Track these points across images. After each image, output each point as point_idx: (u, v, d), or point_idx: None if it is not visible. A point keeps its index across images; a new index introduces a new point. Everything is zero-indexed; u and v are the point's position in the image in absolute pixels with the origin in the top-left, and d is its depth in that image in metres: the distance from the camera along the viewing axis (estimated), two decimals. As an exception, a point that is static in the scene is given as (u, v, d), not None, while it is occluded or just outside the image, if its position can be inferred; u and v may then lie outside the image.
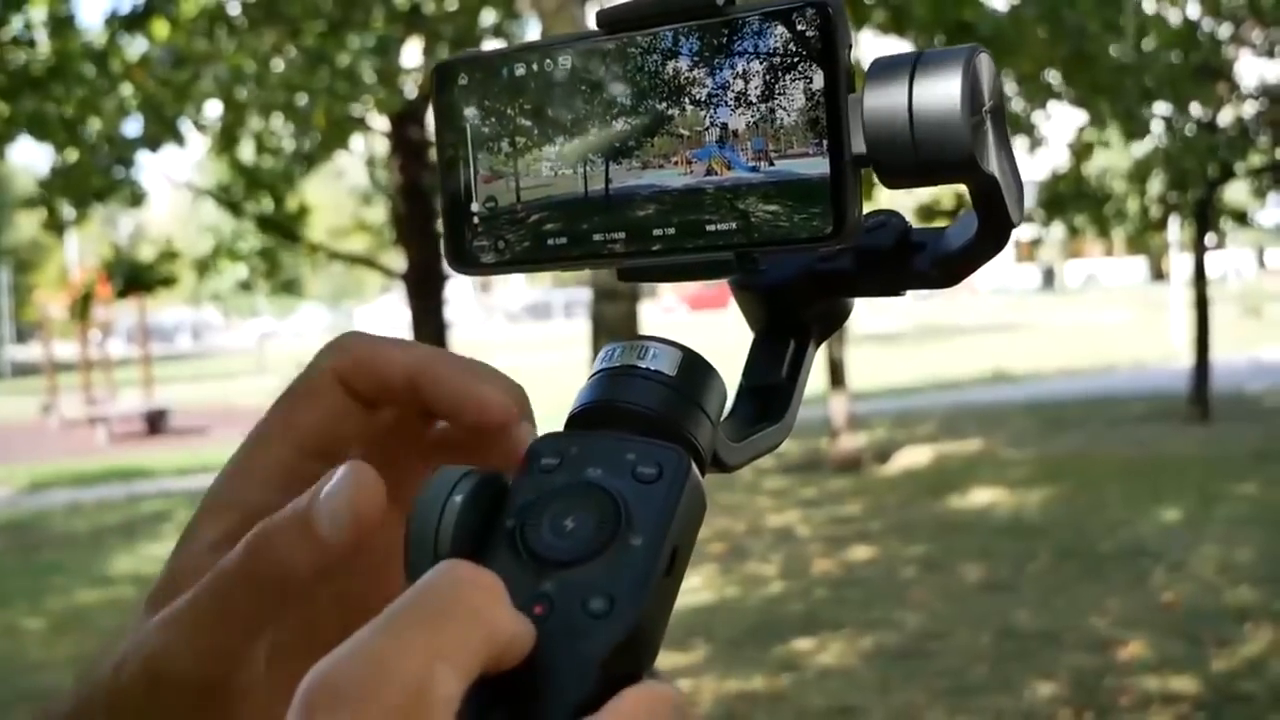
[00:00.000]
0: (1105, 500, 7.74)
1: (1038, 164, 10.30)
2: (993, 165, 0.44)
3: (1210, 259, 11.99)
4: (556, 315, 41.34)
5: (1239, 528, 6.85)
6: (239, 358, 32.05)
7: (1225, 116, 10.60)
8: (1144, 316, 25.87)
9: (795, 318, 0.54)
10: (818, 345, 0.54)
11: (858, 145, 0.44)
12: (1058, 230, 12.21)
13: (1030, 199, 11.64)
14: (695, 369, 0.46)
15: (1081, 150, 10.46)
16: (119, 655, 0.43)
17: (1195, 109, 9.98)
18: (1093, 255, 47.29)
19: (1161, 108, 9.49)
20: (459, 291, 46.54)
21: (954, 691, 4.57)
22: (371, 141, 9.30)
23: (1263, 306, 23.93)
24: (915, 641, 5.20)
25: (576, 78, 0.49)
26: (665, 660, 0.45)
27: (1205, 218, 11.20)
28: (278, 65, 6.74)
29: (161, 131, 6.67)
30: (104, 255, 9.94)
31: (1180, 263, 19.36)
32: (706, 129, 0.46)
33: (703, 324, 31.04)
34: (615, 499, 0.42)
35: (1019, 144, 8.89)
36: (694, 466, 0.44)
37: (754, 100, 0.45)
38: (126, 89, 6.60)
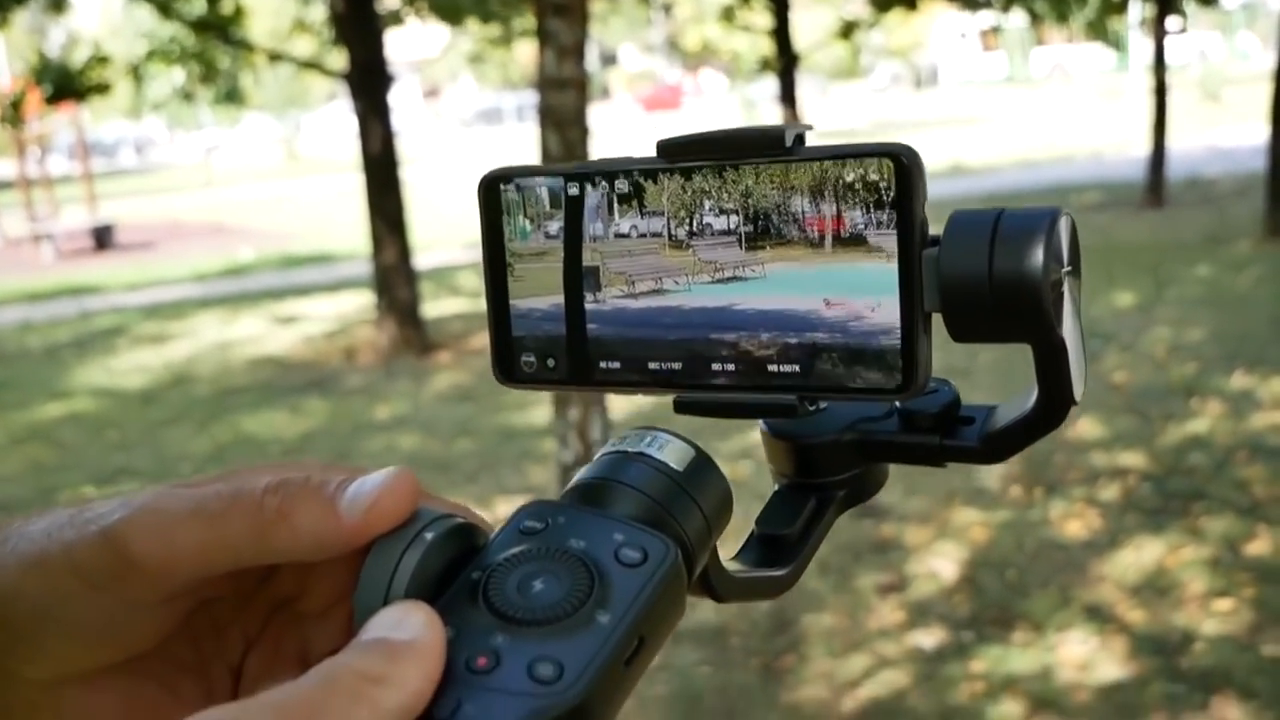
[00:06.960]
0: (1059, 287, 7.80)
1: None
2: (1065, 329, 0.43)
3: (1174, 44, 11.78)
4: (509, 119, 40.47)
5: (1190, 309, 6.94)
6: (184, 172, 31.33)
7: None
8: (1108, 105, 25.65)
9: (823, 478, 0.53)
10: (839, 513, 0.53)
11: (931, 301, 0.43)
12: (1019, 17, 11.93)
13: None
14: (702, 469, 0.46)
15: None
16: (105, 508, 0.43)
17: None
18: (1057, 42, 46.51)
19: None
20: (407, 98, 45.36)
21: (905, 473, 4.66)
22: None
23: (1221, 91, 23.75)
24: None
25: (633, 203, 0.48)
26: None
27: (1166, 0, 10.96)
28: None
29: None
30: (31, 62, 9.51)
31: (1142, 48, 19.07)
32: (770, 269, 0.45)
33: (657, 123, 30.52)
34: (590, 570, 0.40)
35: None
36: (680, 561, 0.42)
37: (819, 245, 0.44)
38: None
